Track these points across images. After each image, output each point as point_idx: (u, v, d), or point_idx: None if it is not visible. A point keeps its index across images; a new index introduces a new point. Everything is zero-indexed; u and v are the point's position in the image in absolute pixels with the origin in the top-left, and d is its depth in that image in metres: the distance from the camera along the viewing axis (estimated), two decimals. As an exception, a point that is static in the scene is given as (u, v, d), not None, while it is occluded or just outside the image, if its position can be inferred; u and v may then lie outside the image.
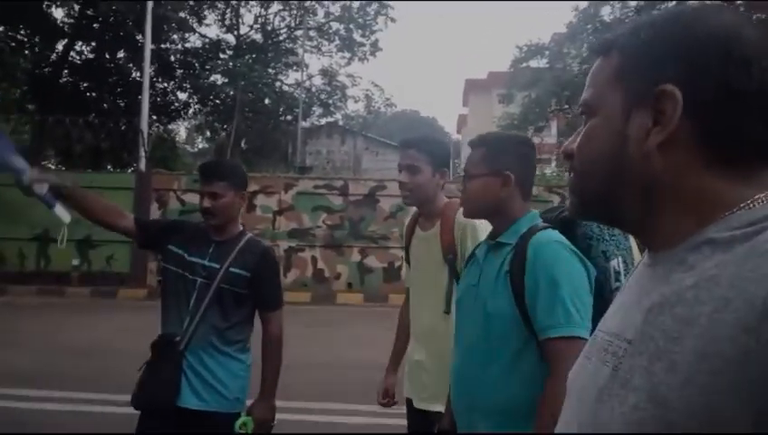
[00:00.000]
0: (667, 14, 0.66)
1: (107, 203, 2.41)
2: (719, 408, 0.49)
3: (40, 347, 6.35)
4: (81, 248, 11.30)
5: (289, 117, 21.42)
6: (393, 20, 21.36)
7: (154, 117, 17.33)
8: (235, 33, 20.96)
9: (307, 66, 21.35)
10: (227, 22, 20.78)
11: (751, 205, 0.58)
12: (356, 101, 24.69)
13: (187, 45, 19.73)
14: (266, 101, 20.24)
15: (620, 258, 1.57)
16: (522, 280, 1.47)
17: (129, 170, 14.90)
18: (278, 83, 21.06)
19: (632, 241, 1.63)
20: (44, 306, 9.37)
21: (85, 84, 18.23)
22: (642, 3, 16.06)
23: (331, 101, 22.59)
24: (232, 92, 18.79)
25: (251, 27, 21.34)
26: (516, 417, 1.45)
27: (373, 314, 9.29)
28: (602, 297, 1.47)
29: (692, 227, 0.61)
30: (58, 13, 17.09)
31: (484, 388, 1.50)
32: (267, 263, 2.27)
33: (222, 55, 20.31)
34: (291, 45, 21.99)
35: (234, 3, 20.19)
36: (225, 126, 20.31)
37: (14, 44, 15.80)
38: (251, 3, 20.52)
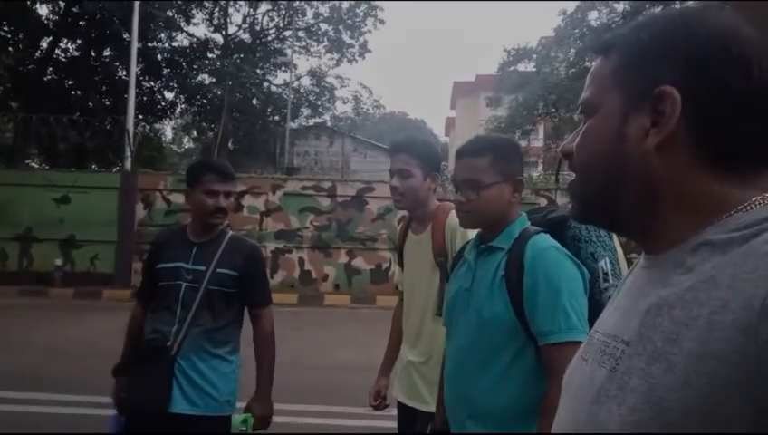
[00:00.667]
0: (666, 15, 0.66)
1: (134, 329, 2.31)
2: (717, 409, 0.49)
3: (22, 349, 6.25)
4: (65, 248, 11.17)
5: (277, 117, 21.33)
6: (382, 21, 21.43)
7: (140, 116, 17.16)
8: (223, 32, 20.85)
9: (295, 67, 21.29)
10: (215, 21, 20.68)
11: (748, 207, 0.58)
12: (344, 103, 24.78)
13: (175, 44, 19.59)
14: (254, 101, 20.14)
15: (607, 259, 1.59)
16: (518, 285, 1.47)
17: (115, 170, 14.75)
18: (266, 84, 20.97)
19: (616, 242, 1.65)
20: (27, 307, 9.23)
21: (70, 82, 18.02)
22: (629, 8, 16.23)
23: (319, 102, 22.54)
24: (219, 92, 18.67)
25: (239, 27, 21.26)
26: (513, 420, 1.45)
27: (361, 316, 9.28)
28: (592, 298, 1.49)
29: (689, 228, 0.61)
30: (43, 10, 16.91)
31: (480, 392, 1.49)
32: (255, 260, 2.25)
33: (210, 55, 20.19)
34: (279, 46, 21.93)
35: (222, 2, 20.08)
36: (212, 126, 20.18)
37: (-3, 41, 15.59)
38: (239, 2, 20.44)
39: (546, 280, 1.45)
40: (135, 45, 12.87)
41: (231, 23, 21.10)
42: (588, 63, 18.28)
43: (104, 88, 18.13)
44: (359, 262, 11.45)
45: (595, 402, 0.60)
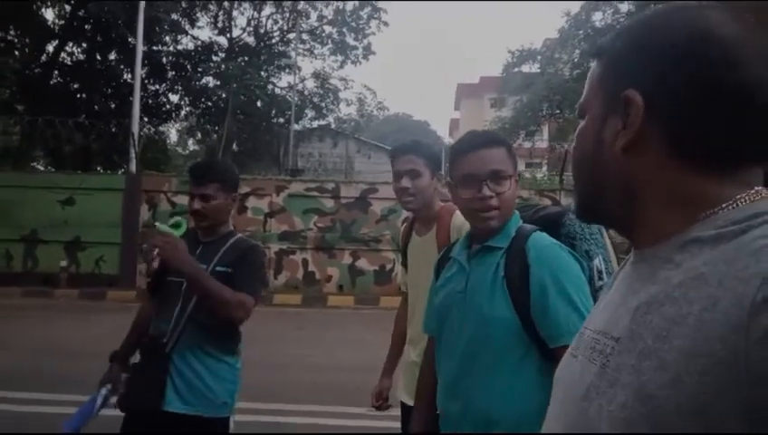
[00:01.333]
0: (640, 19, 0.68)
1: (138, 321, 2.33)
2: (708, 407, 0.49)
3: (28, 349, 6.28)
4: (70, 250, 11.22)
5: (281, 120, 21.37)
6: (386, 23, 21.49)
7: (145, 119, 17.23)
8: (228, 35, 20.93)
9: (299, 69, 21.37)
10: (220, 24, 20.76)
11: (734, 204, 0.59)
12: (348, 105, 24.76)
13: (180, 47, 19.67)
14: (258, 103, 20.19)
15: (601, 257, 1.56)
16: (522, 286, 1.42)
17: (120, 172, 14.81)
18: (270, 86, 21.02)
19: (607, 239, 1.63)
20: (32, 308, 9.27)
21: (76, 85, 18.11)
22: (633, 8, 16.19)
23: (323, 104, 22.59)
24: (224, 95, 18.73)
25: (243, 30, 21.35)
26: (521, 426, 1.37)
27: (364, 317, 9.27)
28: None
29: (676, 225, 0.61)
30: (48, 13, 17.00)
31: (488, 400, 1.42)
32: (248, 256, 2.20)
33: (214, 58, 20.27)
34: (283, 48, 21.99)
35: (226, 5, 20.15)
36: (216, 128, 20.23)
37: (3, 45, 15.71)
38: (243, 5, 20.50)
39: (555, 280, 1.40)
40: (140, 48, 12.93)
41: (235, 25, 21.23)
42: (592, 65, 18.25)
43: (109, 91, 18.22)
44: (362, 263, 11.45)
45: (585, 399, 0.61)
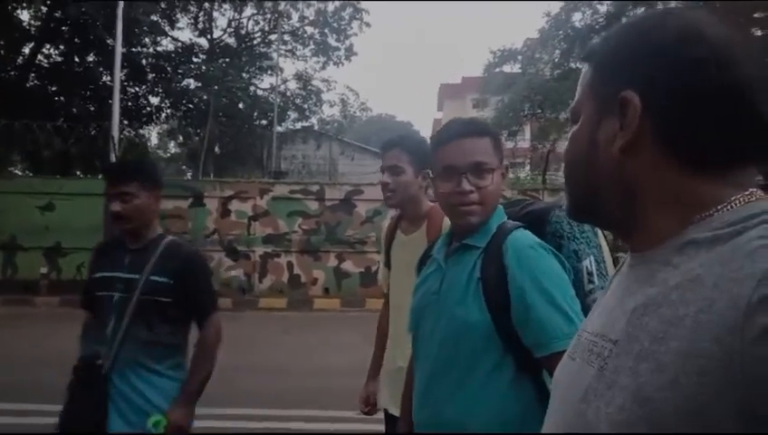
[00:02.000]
0: (630, 22, 0.69)
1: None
2: (705, 408, 0.50)
3: (8, 359, 6.16)
4: (50, 256, 11.02)
5: (263, 121, 21.24)
6: (368, 24, 21.43)
7: (125, 122, 17.00)
8: (209, 36, 20.73)
9: (282, 70, 21.22)
10: (200, 25, 20.56)
11: (729, 205, 0.59)
12: (331, 106, 24.70)
13: (159, 49, 19.42)
14: (240, 105, 20.04)
15: (592, 257, 1.44)
16: (499, 289, 1.31)
17: (100, 176, 14.58)
18: (252, 88, 20.89)
19: (601, 237, 1.52)
20: (12, 316, 9.08)
21: (53, 88, 17.80)
22: (611, 9, 16.38)
23: (306, 106, 22.50)
24: (205, 97, 18.55)
25: (224, 31, 21.15)
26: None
27: (350, 319, 9.25)
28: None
29: (673, 227, 0.61)
30: (25, 15, 16.69)
31: (456, 410, 1.33)
32: (191, 266, 2.07)
33: (195, 59, 20.07)
34: (265, 49, 21.86)
35: (207, 6, 19.97)
36: (198, 131, 20.04)
37: (-22, 47, 15.36)
38: (224, 6, 20.33)
39: (536, 283, 1.29)
40: (119, 50, 12.75)
41: (216, 27, 21.02)
42: (572, 65, 18.46)
43: (88, 94, 17.93)
44: (348, 265, 11.41)
45: (583, 401, 0.61)
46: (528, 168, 22.92)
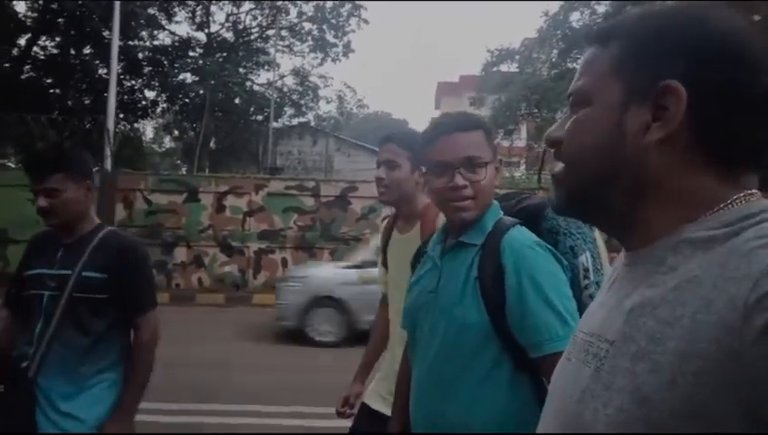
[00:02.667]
0: (674, 7, 0.64)
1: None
2: (703, 408, 0.49)
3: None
4: None
5: (260, 117, 21.19)
6: (366, 21, 21.39)
7: (120, 115, 16.94)
8: (206, 31, 20.65)
9: (279, 66, 21.19)
10: (198, 19, 20.47)
11: (730, 205, 0.59)
12: (328, 102, 24.71)
13: (156, 43, 19.35)
14: (237, 100, 19.98)
15: (588, 253, 1.42)
16: (496, 289, 1.29)
17: (94, 170, 14.51)
18: (249, 83, 20.82)
19: (597, 234, 1.49)
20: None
21: (49, 81, 17.69)
22: (610, 9, 16.42)
23: (302, 102, 22.45)
24: (201, 91, 18.49)
25: (222, 25, 21.08)
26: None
27: (344, 316, 9.23)
28: (573, 297, 1.33)
29: (671, 225, 0.61)
30: (21, 6, 16.61)
31: (454, 409, 1.32)
32: (126, 258, 1.89)
33: (192, 53, 19.99)
34: (262, 45, 21.80)
35: (205, 0, 19.90)
36: (194, 125, 19.98)
37: (-28, 38, 15.25)
38: (222, 1, 20.26)
39: (533, 283, 1.27)
40: (116, 43, 12.68)
41: (214, 21, 20.94)
42: (569, 65, 18.49)
43: (84, 86, 17.84)
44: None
45: (580, 402, 0.60)
46: (523, 167, 22.96)
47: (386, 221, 2.27)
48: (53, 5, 16.10)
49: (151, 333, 1.92)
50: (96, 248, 1.87)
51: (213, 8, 20.60)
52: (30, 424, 1.80)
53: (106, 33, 14.94)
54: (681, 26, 0.61)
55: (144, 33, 18.32)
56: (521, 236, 1.34)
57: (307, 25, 21.66)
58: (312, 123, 24.13)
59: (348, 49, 21.64)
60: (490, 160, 1.38)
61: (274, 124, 20.10)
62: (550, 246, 1.35)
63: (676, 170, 0.61)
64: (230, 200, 11.40)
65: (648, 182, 0.62)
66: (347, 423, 2.22)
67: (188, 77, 19.38)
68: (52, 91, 17.65)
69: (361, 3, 21.05)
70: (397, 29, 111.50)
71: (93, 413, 1.84)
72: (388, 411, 1.97)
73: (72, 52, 17.55)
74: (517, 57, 20.92)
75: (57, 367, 1.83)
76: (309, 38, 21.83)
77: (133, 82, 19.04)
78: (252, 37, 21.76)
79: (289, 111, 22.41)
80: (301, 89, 22.27)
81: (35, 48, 17.38)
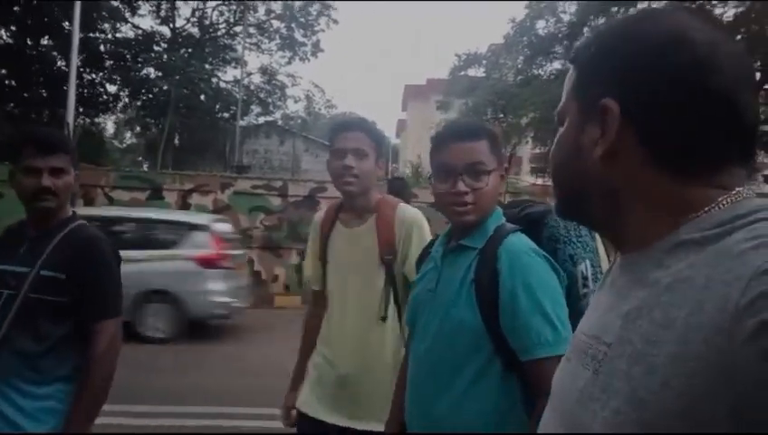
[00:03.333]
0: (612, 24, 0.69)
1: None
2: (697, 410, 0.50)
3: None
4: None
5: (226, 115, 20.88)
6: (335, 21, 21.37)
7: (80, 109, 16.41)
8: (171, 25, 20.25)
9: (246, 63, 20.89)
10: (163, 14, 20.05)
11: (716, 206, 0.60)
12: (296, 102, 24.49)
13: (119, 35, 18.88)
14: (202, 97, 19.64)
15: (588, 262, 1.45)
16: (491, 292, 1.32)
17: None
18: (215, 80, 20.51)
19: (598, 241, 1.51)
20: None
21: (4, 71, 17.03)
22: (574, 18, 16.79)
23: (270, 100, 22.24)
24: (166, 87, 18.11)
25: (187, 20, 20.71)
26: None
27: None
28: (570, 304, 1.36)
29: (661, 228, 0.62)
30: (-27, -7, 15.91)
31: (443, 408, 1.35)
32: (88, 256, 1.70)
33: (156, 48, 19.58)
34: (229, 41, 21.50)
35: (170, -6, 19.51)
36: (157, 122, 19.54)
37: None
38: (188, -5, 19.92)
39: (527, 289, 1.30)
40: (77, 35, 12.26)
41: (179, 15, 20.61)
42: (535, 71, 18.80)
43: (42, 79, 17.23)
44: (309, 263, 11.32)
45: (578, 403, 0.61)
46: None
47: (321, 213, 2.12)
48: (9, -7, 15.51)
49: (110, 343, 1.68)
50: (58, 244, 1.68)
51: (178, 3, 20.31)
52: None
53: (65, 24, 14.47)
54: (612, 44, 0.65)
55: (106, 25, 17.85)
56: (518, 242, 1.38)
57: (276, 23, 21.51)
58: (280, 122, 23.92)
59: (317, 48, 21.57)
60: (494, 168, 1.42)
61: (241, 122, 19.82)
62: (546, 254, 1.38)
63: (637, 177, 0.63)
64: (195, 199, 11.15)
65: (615, 190, 0.65)
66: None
67: (152, 72, 18.98)
68: (7, 82, 16.98)
69: (331, 2, 21.02)
70: (366, 30, 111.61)
71: (51, 424, 1.65)
72: (325, 417, 1.89)
73: (29, 42, 16.93)
74: (484, 62, 21.13)
75: (7, 377, 1.65)
76: (277, 36, 21.66)
77: (94, 75, 18.51)
78: (218, 33, 21.43)
79: (256, 109, 22.19)
80: (268, 87, 22.07)
81: (-10, 37, 16.73)
